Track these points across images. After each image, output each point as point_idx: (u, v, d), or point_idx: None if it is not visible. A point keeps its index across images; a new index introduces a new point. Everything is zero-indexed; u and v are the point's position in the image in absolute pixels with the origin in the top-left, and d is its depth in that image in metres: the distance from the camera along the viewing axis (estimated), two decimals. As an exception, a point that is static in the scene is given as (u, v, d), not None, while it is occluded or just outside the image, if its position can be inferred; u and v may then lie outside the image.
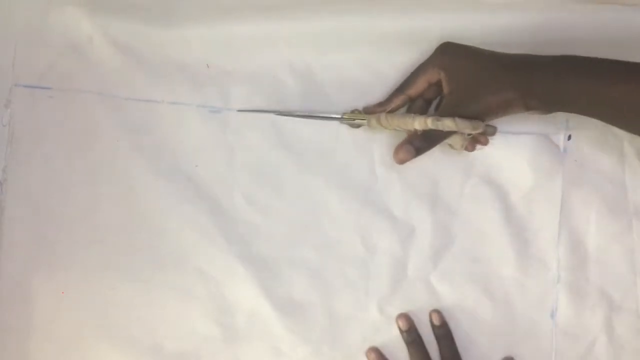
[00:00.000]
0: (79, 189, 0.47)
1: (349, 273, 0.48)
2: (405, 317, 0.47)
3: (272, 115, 0.48)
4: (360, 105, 0.48)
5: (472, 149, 0.47)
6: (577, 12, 0.46)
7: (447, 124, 0.43)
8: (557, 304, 0.49)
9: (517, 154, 0.49)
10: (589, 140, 0.49)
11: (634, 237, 0.49)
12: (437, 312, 0.48)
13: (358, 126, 0.47)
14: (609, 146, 0.49)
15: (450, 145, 0.46)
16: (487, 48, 0.44)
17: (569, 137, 0.49)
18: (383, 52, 0.48)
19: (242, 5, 0.47)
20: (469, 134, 0.44)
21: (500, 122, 0.46)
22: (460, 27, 0.46)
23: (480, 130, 0.43)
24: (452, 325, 0.48)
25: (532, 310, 0.49)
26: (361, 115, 0.47)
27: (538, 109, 0.44)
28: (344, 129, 0.48)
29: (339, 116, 0.47)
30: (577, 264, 0.49)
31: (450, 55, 0.45)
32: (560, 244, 0.49)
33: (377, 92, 0.48)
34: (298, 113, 0.48)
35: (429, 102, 0.47)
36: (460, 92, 0.43)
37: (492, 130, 0.46)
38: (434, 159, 0.48)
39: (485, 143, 0.47)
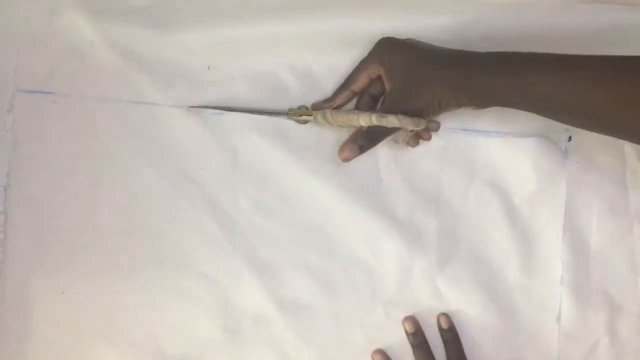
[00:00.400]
0: (82, 193, 0.47)
1: (355, 276, 0.48)
2: (412, 319, 0.48)
3: (276, 118, 0.48)
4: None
5: (415, 144, 0.47)
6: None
7: (390, 120, 0.43)
8: (561, 307, 0.49)
9: (519, 156, 0.49)
10: (589, 141, 0.49)
11: (634, 238, 0.50)
12: (446, 315, 0.48)
13: (305, 122, 0.48)
14: (610, 147, 0.50)
15: (394, 141, 0.47)
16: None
17: (570, 139, 0.50)
18: None
19: (242, 7, 0.47)
20: (411, 130, 0.44)
21: (502, 124, 0.47)
22: (460, 25, 0.46)
23: (422, 127, 0.44)
24: (458, 329, 0.48)
25: (537, 313, 0.49)
26: (307, 112, 0.47)
27: (468, 105, 0.44)
28: (347, 133, 0.48)
29: (286, 111, 0.47)
30: (580, 266, 0.49)
31: (388, 50, 0.45)
32: (564, 246, 0.49)
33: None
34: (247, 108, 0.47)
35: (375, 98, 0.47)
36: (400, 88, 0.44)
37: (436, 126, 0.47)
38: (437, 161, 0.48)
39: (429, 138, 0.48)
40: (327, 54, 0.48)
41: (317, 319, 0.48)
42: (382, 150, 0.49)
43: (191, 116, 0.48)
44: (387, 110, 0.43)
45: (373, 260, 0.48)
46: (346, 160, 0.45)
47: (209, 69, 0.48)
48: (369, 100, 0.47)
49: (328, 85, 0.48)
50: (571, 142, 0.50)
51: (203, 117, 0.48)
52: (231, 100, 0.48)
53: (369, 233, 0.48)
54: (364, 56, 0.46)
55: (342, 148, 0.45)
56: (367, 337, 0.48)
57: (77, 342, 0.47)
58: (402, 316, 0.48)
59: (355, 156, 0.45)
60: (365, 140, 0.45)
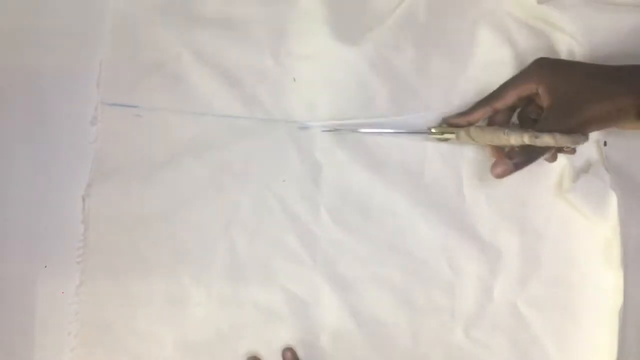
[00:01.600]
0: (162, 205, 0.48)
1: (435, 295, 0.48)
2: (291, 350, 0.47)
3: (358, 135, 0.48)
4: (450, 107, 0.48)
5: (553, 160, 0.46)
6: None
7: (545, 140, 0.42)
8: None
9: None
10: (623, 146, 0.48)
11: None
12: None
13: (446, 140, 0.47)
14: None
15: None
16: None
17: (605, 143, 0.49)
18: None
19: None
20: (567, 147, 0.43)
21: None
22: None
23: (580, 144, 0.42)
24: (536, 349, 0.47)
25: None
26: (450, 129, 0.47)
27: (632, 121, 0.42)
28: (431, 147, 0.48)
29: (427, 131, 0.47)
30: None
31: (548, 69, 0.44)
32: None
33: (462, 85, 0.48)
34: (385, 130, 0.48)
35: (511, 114, 0.46)
36: (562, 105, 0.42)
37: (583, 139, 0.44)
38: (523, 180, 0.48)
39: (573, 153, 0.47)
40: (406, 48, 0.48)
41: (396, 337, 0.47)
42: (465, 169, 0.48)
43: (276, 129, 0.48)
44: (543, 129, 0.42)
45: (454, 278, 0.48)
46: (499, 176, 0.44)
47: (295, 80, 0.48)
48: (506, 116, 0.46)
49: (413, 80, 0.48)
50: (606, 147, 0.49)
51: (288, 130, 0.48)
52: (318, 113, 0.48)
53: (450, 251, 0.48)
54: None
55: (497, 164, 0.44)
56: (446, 357, 0.48)
57: (148, 349, 0.47)
58: (482, 336, 0.48)
59: (509, 174, 0.44)
60: (521, 157, 0.44)
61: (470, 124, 0.47)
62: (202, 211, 0.48)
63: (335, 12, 0.49)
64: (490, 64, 0.48)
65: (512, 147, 0.44)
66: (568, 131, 0.42)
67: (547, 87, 0.43)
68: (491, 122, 0.47)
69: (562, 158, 0.48)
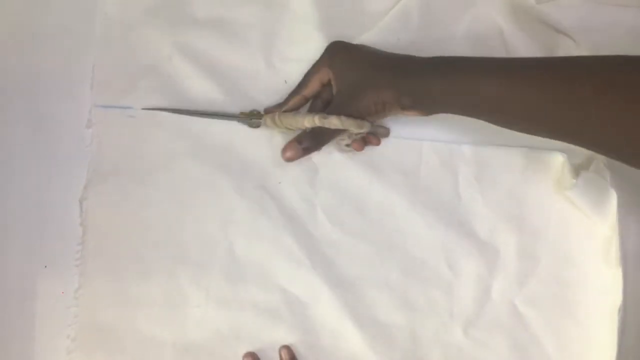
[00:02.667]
0: (159, 207, 0.48)
1: (433, 294, 0.48)
2: (287, 348, 0.47)
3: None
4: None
5: (360, 148, 0.47)
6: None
7: (333, 121, 0.43)
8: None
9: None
10: None
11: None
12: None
13: (257, 126, 0.47)
14: None
15: (347, 145, 0.46)
16: None
17: None
18: None
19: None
20: (357, 133, 0.44)
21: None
22: None
23: (365, 130, 0.44)
24: (537, 349, 0.47)
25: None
26: (257, 115, 0.47)
27: (413, 109, 0.43)
28: (427, 147, 0.48)
29: (237, 115, 0.47)
30: None
31: (337, 54, 0.45)
32: None
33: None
34: (198, 112, 0.47)
35: (327, 102, 0.47)
36: (346, 91, 0.44)
37: (385, 132, 0.47)
38: (520, 180, 0.47)
39: (377, 144, 0.47)
40: None
41: (395, 337, 0.47)
42: (461, 169, 0.48)
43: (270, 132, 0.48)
44: (332, 113, 0.43)
45: (452, 278, 0.48)
46: (289, 160, 0.45)
47: (286, 82, 0.48)
48: (321, 104, 0.47)
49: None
50: None
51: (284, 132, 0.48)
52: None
53: (448, 251, 0.48)
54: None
55: (286, 148, 0.45)
56: (445, 357, 0.47)
57: (147, 351, 0.47)
58: (481, 336, 0.48)
59: (299, 157, 0.45)
60: (309, 141, 0.45)
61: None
62: (199, 213, 0.48)
63: (327, 14, 0.48)
64: None
65: (303, 132, 0.45)
66: (353, 116, 0.43)
67: (335, 72, 0.44)
68: (311, 111, 0.47)
69: (560, 155, 0.47)
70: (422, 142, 0.48)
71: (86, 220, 0.47)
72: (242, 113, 0.47)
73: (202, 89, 0.48)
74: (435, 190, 0.48)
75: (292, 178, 0.48)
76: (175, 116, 0.48)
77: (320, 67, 0.45)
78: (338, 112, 0.43)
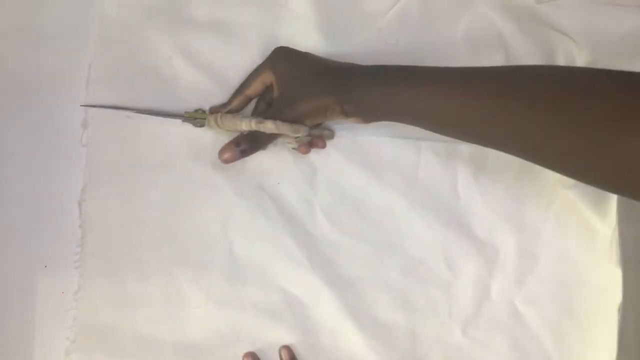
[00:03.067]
0: (157, 207, 0.47)
1: (433, 294, 0.48)
2: (287, 348, 0.47)
3: (350, 135, 0.48)
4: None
5: (306, 151, 0.47)
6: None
7: (268, 126, 0.43)
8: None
9: None
10: None
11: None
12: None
13: (201, 125, 0.47)
14: None
15: (293, 149, 0.47)
16: None
17: None
18: None
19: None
20: (296, 137, 0.45)
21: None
22: None
23: (302, 134, 0.44)
24: (535, 348, 0.47)
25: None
26: (202, 115, 0.47)
27: (355, 116, 0.44)
28: (425, 146, 0.48)
29: (182, 114, 0.47)
30: None
31: (280, 58, 0.46)
32: None
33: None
34: (144, 110, 0.47)
35: (270, 105, 0.47)
36: (285, 95, 0.44)
37: (330, 134, 0.48)
38: (519, 180, 0.47)
39: (323, 146, 0.48)
40: None
41: (395, 337, 0.47)
42: (460, 168, 0.48)
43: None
44: (270, 117, 0.44)
45: (452, 278, 0.48)
46: (226, 162, 0.46)
47: None
48: (264, 105, 0.47)
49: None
50: None
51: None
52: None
53: (447, 251, 0.48)
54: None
55: (223, 150, 0.46)
56: (444, 357, 0.48)
57: (146, 352, 0.47)
58: (480, 335, 0.48)
59: (236, 159, 0.46)
60: (247, 144, 0.45)
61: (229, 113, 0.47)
62: (198, 213, 0.48)
63: (325, 14, 0.48)
64: None
65: (241, 134, 0.45)
66: (290, 120, 0.43)
67: (277, 77, 0.45)
68: (255, 112, 0.47)
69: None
70: (421, 141, 0.48)
71: (85, 221, 0.47)
72: (186, 113, 0.47)
73: (201, 89, 0.48)
74: (434, 190, 0.48)
75: (291, 178, 0.48)
76: (172, 117, 0.47)
77: (264, 69, 0.46)
78: (275, 117, 0.43)
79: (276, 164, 0.48)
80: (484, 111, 0.37)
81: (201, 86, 0.48)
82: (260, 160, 0.48)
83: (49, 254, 0.47)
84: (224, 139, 0.46)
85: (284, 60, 0.45)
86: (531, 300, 0.48)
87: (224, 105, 0.47)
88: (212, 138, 0.48)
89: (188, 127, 0.47)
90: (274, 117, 0.43)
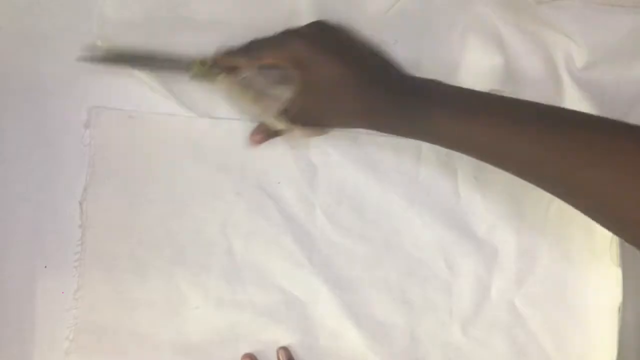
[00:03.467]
0: (158, 207, 0.47)
1: (432, 294, 0.48)
2: (285, 350, 0.47)
3: (351, 135, 0.48)
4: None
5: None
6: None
7: (296, 132, 0.44)
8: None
9: None
10: None
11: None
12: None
13: (211, 82, 0.45)
14: None
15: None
16: None
17: None
18: None
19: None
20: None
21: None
22: None
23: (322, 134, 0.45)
24: (535, 347, 0.47)
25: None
26: (217, 71, 0.44)
27: (382, 129, 0.42)
28: (425, 146, 0.48)
29: (189, 62, 0.44)
30: None
31: (323, 48, 0.40)
32: None
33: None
34: (147, 57, 0.46)
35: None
36: (309, 100, 0.42)
37: (323, 133, 0.47)
38: (517, 180, 0.47)
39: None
40: None
41: (394, 337, 0.47)
42: (460, 168, 0.48)
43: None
44: (296, 121, 0.43)
45: (451, 278, 0.48)
46: (258, 143, 0.47)
47: None
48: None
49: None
50: None
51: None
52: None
53: (447, 250, 0.48)
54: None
55: (255, 132, 0.47)
56: (444, 356, 0.48)
57: (146, 353, 0.47)
58: (480, 335, 0.48)
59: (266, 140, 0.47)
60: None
61: (232, 68, 0.44)
62: (198, 213, 0.48)
63: (325, 14, 0.48)
64: (481, 69, 0.48)
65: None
66: (312, 126, 0.44)
67: (302, 77, 0.41)
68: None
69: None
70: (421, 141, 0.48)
71: (86, 221, 0.47)
72: (194, 65, 0.44)
73: (202, 91, 0.47)
74: (434, 190, 0.48)
75: (290, 178, 0.48)
76: (174, 117, 0.47)
77: (293, 50, 0.40)
78: (294, 117, 0.42)
79: (276, 163, 0.48)
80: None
81: (201, 87, 0.48)
82: (261, 160, 0.48)
83: (49, 254, 0.47)
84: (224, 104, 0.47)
85: (327, 54, 0.40)
86: (531, 300, 0.48)
87: (231, 66, 0.43)
88: (212, 138, 0.48)
89: (189, 127, 0.47)
90: (292, 115, 0.42)
